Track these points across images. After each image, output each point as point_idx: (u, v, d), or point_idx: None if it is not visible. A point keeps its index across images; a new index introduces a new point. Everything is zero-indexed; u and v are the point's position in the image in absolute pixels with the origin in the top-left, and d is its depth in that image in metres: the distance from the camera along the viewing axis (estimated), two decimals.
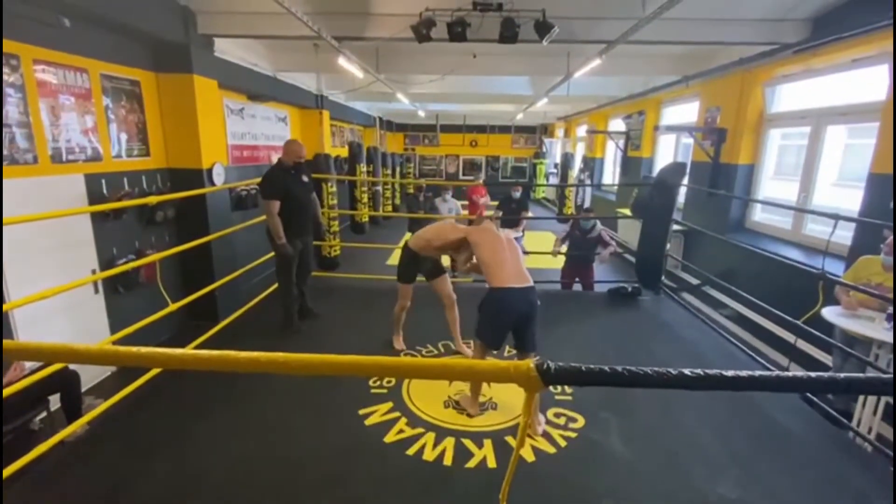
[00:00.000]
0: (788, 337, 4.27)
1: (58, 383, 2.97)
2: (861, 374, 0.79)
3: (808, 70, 4.90)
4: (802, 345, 4.15)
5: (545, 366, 0.74)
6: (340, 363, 0.74)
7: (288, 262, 4.01)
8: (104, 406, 2.86)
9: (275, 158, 5.36)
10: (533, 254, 6.15)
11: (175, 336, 4.84)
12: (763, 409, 3.03)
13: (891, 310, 3.03)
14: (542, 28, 4.05)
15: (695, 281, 6.39)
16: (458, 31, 4.10)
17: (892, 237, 3.23)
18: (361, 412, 2.91)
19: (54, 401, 3.09)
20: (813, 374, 0.74)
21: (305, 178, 4.11)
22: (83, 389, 3.30)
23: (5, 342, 0.87)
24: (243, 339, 3.96)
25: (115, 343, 3.38)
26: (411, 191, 7.27)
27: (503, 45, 4.26)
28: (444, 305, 3.73)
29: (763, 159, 5.73)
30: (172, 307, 3.35)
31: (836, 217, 3.11)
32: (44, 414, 3.14)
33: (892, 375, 0.74)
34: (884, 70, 3.93)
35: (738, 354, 3.92)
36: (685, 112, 7.63)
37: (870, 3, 3.83)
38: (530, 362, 0.75)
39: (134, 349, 0.76)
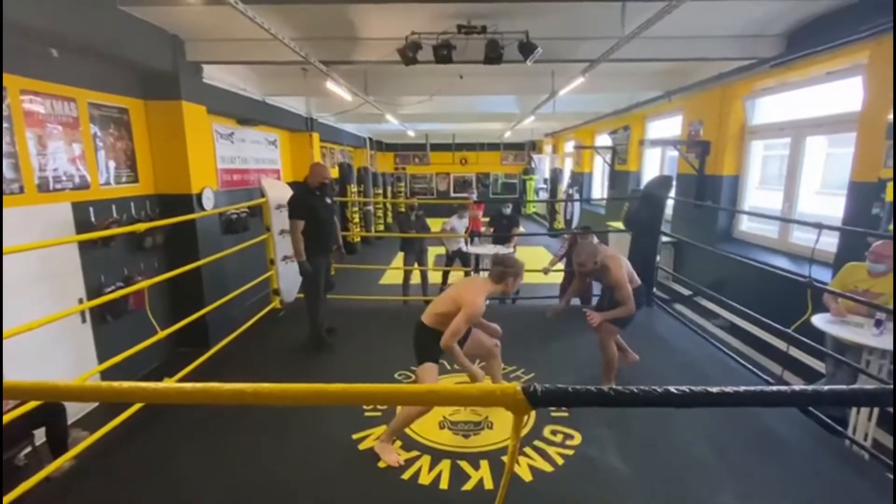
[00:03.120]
0: (781, 345, 4.29)
1: (43, 417, 2.90)
2: (857, 386, 0.80)
3: (784, 83, 5.04)
4: (795, 352, 4.18)
5: (531, 388, 0.74)
6: (327, 392, 0.73)
7: (315, 280, 4.09)
8: (91, 439, 2.80)
9: (264, 181, 5.39)
10: (527, 271, 6.15)
11: (165, 364, 4.75)
12: (758, 417, 3.02)
13: (879, 315, 3.07)
14: (526, 49, 4.14)
15: (686, 292, 6.43)
16: (443, 54, 4.18)
17: (876, 244, 3.29)
18: (355, 436, 2.86)
19: (40, 434, 3.01)
20: (797, 388, 0.74)
21: (328, 200, 4.26)
22: (69, 422, 3.22)
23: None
24: (235, 365, 3.91)
25: (102, 373, 3.33)
26: (402, 210, 7.30)
27: (488, 65, 4.34)
28: (490, 355, 3.22)
29: (747, 170, 5.84)
30: (161, 335, 3.31)
31: (819, 226, 3.17)
32: (28, 449, 3.05)
33: (890, 387, 0.75)
34: (857, 82, 4.05)
35: (731, 365, 3.93)
36: (669, 126, 7.78)
37: (840, 18, 3.96)
38: (517, 385, 0.75)
39: (116, 385, 0.75)
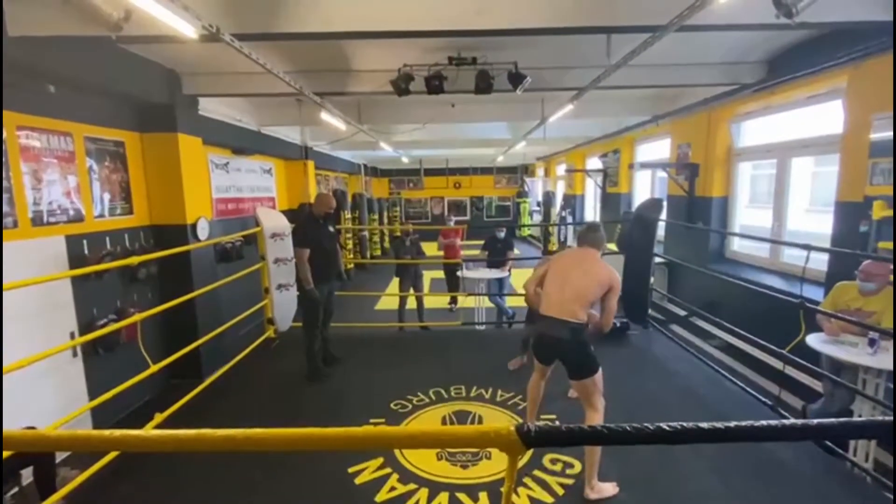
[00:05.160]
0: (777, 364, 4.28)
1: (30, 457, 2.82)
2: (853, 419, 0.81)
3: (767, 107, 5.18)
4: (792, 371, 4.17)
5: (525, 428, 0.74)
6: (320, 437, 0.73)
7: (315, 309, 4.13)
8: (80, 478, 2.72)
9: (259, 210, 5.41)
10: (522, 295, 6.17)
11: (157, 396, 4.66)
12: (758, 441, 2.99)
13: (872, 334, 3.08)
14: (515, 79, 4.24)
15: (682, 312, 6.44)
16: (435, 85, 4.27)
17: (865, 263, 3.33)
18: (351, 470, 2.81)
19: (27, 474, 2.93)
20: (787, 423, 0.75)
21: (332, 229, 4.35)
22: (58, 460, 3.14)
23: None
24: (230, 397, 3.85)
25: (93, 409, 3.27)
26: (398, 234, 7.33)
27: (479, 94, 4.44)
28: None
29: (736, 191, 5.94)
30: (153, 369, 3.26)
31: (808, 247, 3.21)
32: (15, 489, 2.96)
33: (889, 419, 0.75)
34: (838, 105, 4.18)
35: (729, 387, 3.91)
36: (658, 148, 7.93)
37: (818, 46, 4.11)
38: (510, 425, 0.75)
39: (107, 433, 0.74)
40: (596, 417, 2.64)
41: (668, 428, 0.72)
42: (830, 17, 3.05)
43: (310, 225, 4.20)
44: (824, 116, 4.56)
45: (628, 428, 0.73)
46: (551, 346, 2.77)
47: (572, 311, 2.64)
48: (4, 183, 3.39)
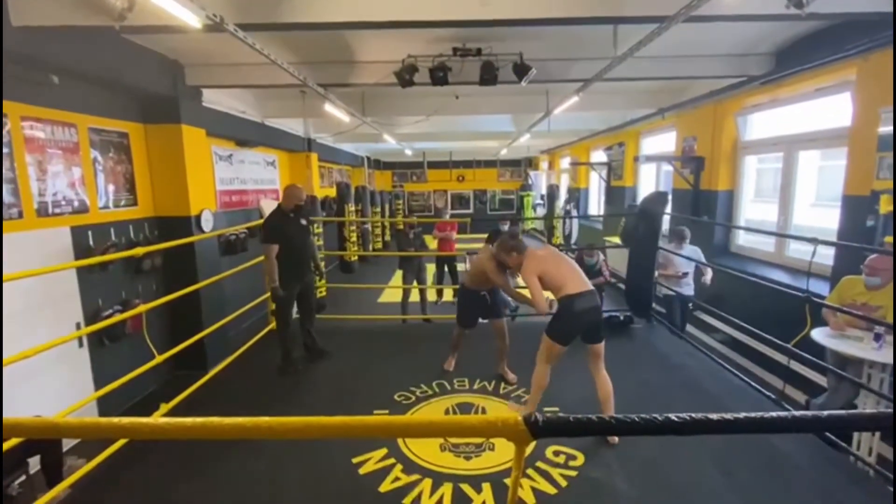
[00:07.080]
0: (782, 359, 4.27)
1: (38, 445, 2.85)
2: (856, 411, 0.80)
3: (775, 100, 5.12)
4: (797, 366, 4.16)
5: (533, 418, 0.74)
6: (328, 425, 0.73)
7: (283, 305, 4.06)
8: (87, 467, 2.75)
9: (263, 202, 5.41)
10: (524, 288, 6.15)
11: (162, 387, 4.71)
12: (762, 434, 2.99)
13: (878, 329, 3.07)
14: (521, 70, 4.21)
15: None
16: (439, 76, 4.25)
17: (871, 257, 3.31)
18: (355, 461, 2.82)
19: (34, 462, 2.96)
20: (797, 414, 0.75)
21: (303, 222, 4.20)
22: (65, 449, 3.17)
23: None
24: (234, 389, 3.87)
25: (99, 399, 3.30)
26: (401, 227, 7.32)
27: (484, 86, 4.41)
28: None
29: (742, 184, 5.90)
30: (158, 359, 3.28)
31: (815, 241, 3.19)
32: (23, 478, 2.99)
33: (890, 411, 0.75)
34: (846, 98, 4.13)
35: (733, 381, 3.90)
36: (664, 142, 7.88)
37: (826, 38, 4.06)
38: (518, 415, 0.75)
39: (115, 421, 0.74)
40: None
41: (676, 419, 0.72)
42: (840, 7, 3.01)
43: (277, 220, 4.01)
44: (832, 109, 4.51)
45: (636, 419, 0.73)
46: (595, 315, 3.08)
47: (588, 284, 3.13)
48: (9, 174, 3.39)
